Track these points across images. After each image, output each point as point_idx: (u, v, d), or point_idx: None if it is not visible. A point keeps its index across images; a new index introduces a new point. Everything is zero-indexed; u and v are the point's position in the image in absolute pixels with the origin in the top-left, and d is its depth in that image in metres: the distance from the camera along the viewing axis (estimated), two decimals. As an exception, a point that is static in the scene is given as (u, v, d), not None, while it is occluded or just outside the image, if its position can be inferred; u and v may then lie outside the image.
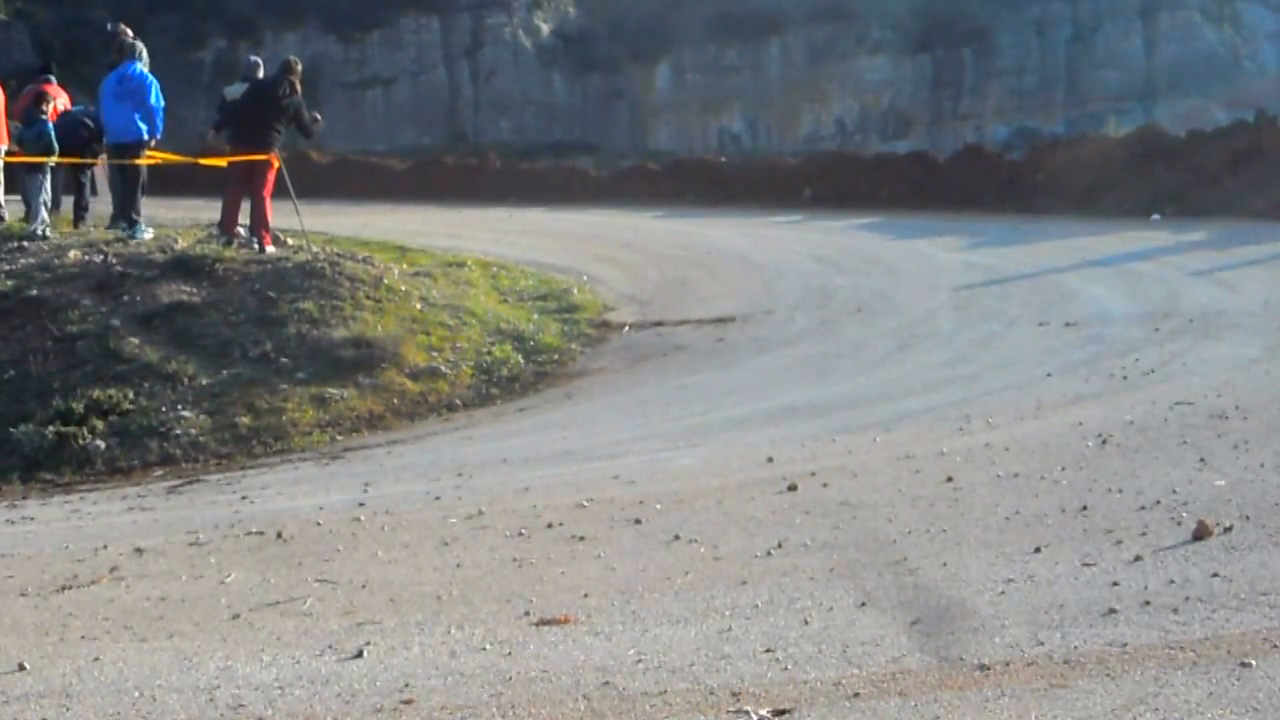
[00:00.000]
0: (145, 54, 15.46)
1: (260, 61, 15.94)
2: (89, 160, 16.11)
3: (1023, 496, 6.89)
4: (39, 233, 14.85)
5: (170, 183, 19.20)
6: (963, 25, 38.53)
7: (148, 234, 15.37)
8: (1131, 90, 41.51)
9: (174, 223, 16.78)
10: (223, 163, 15.22)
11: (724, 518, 6.90)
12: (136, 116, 15.06)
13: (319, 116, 16.04)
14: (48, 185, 15.38)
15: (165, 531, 7.61)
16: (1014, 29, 40.01)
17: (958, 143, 34.03)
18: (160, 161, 15.74)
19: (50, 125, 15.31)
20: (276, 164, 14.97)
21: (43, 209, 15.18)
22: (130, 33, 15.99)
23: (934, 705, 4.34)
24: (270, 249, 14.58)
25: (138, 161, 15.37)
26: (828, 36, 39.56)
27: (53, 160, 15.26)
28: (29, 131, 15.19)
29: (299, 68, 15.40)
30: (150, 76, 15.23)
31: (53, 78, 16.87)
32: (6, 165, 15.68)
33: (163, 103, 15.23)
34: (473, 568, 6.29)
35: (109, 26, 16.42)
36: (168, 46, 17.36)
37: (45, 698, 4.84)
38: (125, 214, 15.40)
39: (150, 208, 15.88)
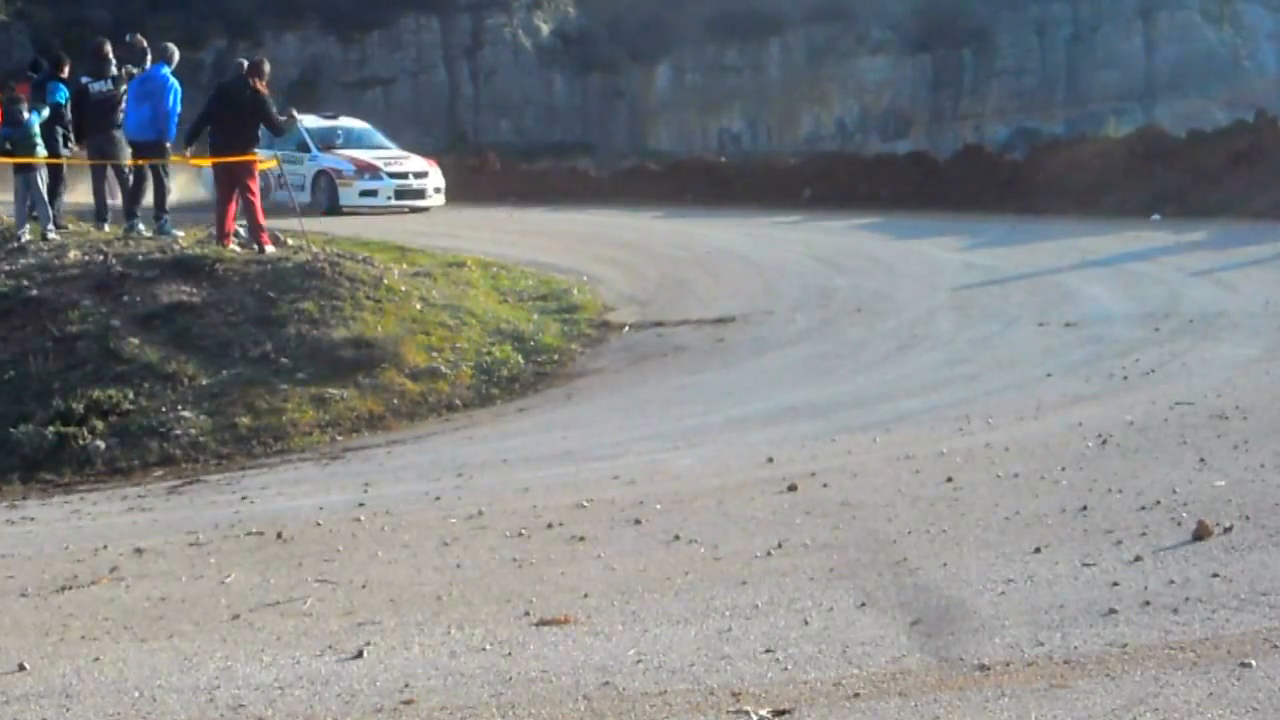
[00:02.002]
0: (176, 57, 15.54)
1: (245, 63, 15.90)
2: (60, 159, 15.97)
3: (1023, 497, 6.89)
4: (40, 234, 14.85)
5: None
6: (963, 25, 38.53)
7: (147, 233, 15.36)
8: (1131, 90, 41.44)
9: (175, 223, 16.76)
10: (206, 162, 15.32)
11: (724, 518, 6.90)
12: (152, 118, 15.13)
13: (295, 113, 16.06)
14: (39, 185, 15.29)
15: (165, 532, 7.61)
16: (1014, 29, 40.02)
17: (958, 143, 33.99)
18: (154, 162, 15.64)
19: (34, 118, 15.19)
20: (261, 165, 15.06)
21: (27, 211, 15.15)
22: (144, 41, 15.95)
23: (934, 705, 4.34)
24: (270, 249, 14.59)
25: (155, 161, 15.41)
26: (828, 36, 39.56)
27: (41, 159, 15.21)
28: (17, 132, 15.12)
29: (264, 66, 15.45)
30: (173, 81, 15.32)
31: (35, 76, 16.81)
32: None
33: (179, 108, 15.29)
34: (473, 568, 6.29)
35: (126, 38, 16.39)
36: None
37: (45, 698, 4.84)
38: (112, 212, 15.46)
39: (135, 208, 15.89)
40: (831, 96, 41.26)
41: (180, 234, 15.49)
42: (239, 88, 15.04)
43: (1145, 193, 21.03)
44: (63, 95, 15.67)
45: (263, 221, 14.99)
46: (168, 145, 15.39)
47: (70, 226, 16.08)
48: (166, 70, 15.35)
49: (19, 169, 15.16)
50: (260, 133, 15.15)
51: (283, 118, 15.55)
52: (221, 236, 14.94)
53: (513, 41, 37.25)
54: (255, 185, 14.97)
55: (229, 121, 14.90)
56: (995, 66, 40.08)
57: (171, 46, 15.78)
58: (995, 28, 39.31)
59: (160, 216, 15.67)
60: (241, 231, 15.39)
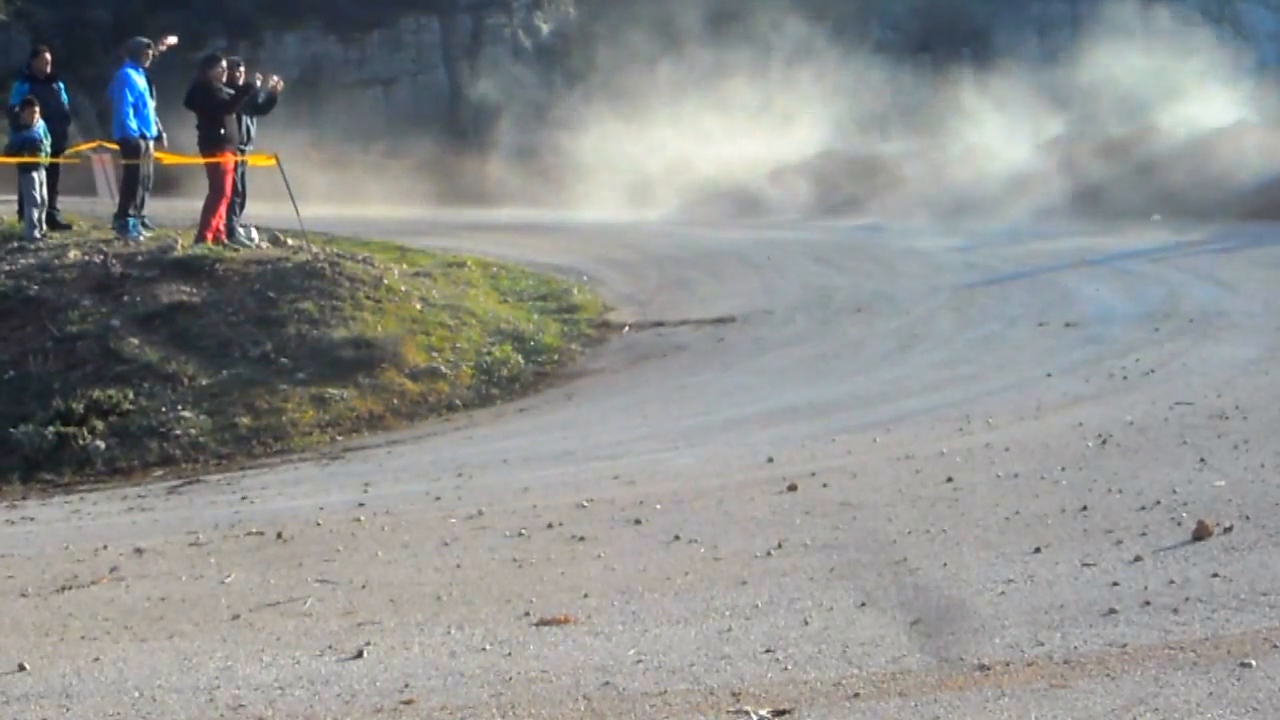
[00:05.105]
0: (145, 52, 15.19)
1: (211, 60, 15.64)
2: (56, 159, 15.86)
3: (1023, 497, 6.89)
4: (37, 234, 14.82)
5: (173, 183, 19.18)
6: (963, 25, 38.55)
7: (142, 234, 15.17)
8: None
9: (175, 223, 16.78)
10: (189, 160, 15.30)
11: (724, 518, 6.90)
12: (120, 115, 14.89)
13: (261, 76, 15.71)
14: (40, 186, 15.22)
15: (165, 532, 7.61)
16: (1014, 29, 40.03)
17: (958, 143, 33.89)
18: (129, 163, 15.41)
19: (34, 130, 15.11)
20: (255, 161, 15.06)
21: (34, 210, 15.10)
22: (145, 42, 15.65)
23: (934, 705, 4.34)
24: (209, 245, 14.42)
25: (127, 161, 15.20)
26: (828, 35, 39.62)
27: (44, 159, 15.16)
28: (17, 138, 15.09)
29: (216, 58, 15.37)
30: (126, 73, 14.86)
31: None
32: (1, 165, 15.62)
33: (129, 97, 14.72)
34: (473, 568, 6.29)
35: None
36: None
37: (45, 698, 4.84)
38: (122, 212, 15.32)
39: (151, 207, 15.83)
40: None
41: (143, 236, 15.15)
42: (193, 89, 14.99)
43: (1146, 193, 20.99)
44: (16, 96, 15.56)
45: (214, 222, 14.85)
46: (136, 142, 14.90)
47: (72, 225, 16.06)
48: (128, 68, 15.05)
49: (22, 168, 15.12)
50: (235, 126, 15.02)
51: (258, 88, 15.32)
52: (215, 234, 14.88)
53: (513, 42, 37.24)
54: (227, 182, 14.88)
55: (197, 120, 14.93)
56: (995, 66, 40.09)
57: (137, 40, 15.43)
58: (995, 27, 39.34)
59: (121, 215, 15.25)
60: (241, 231, 15.37)
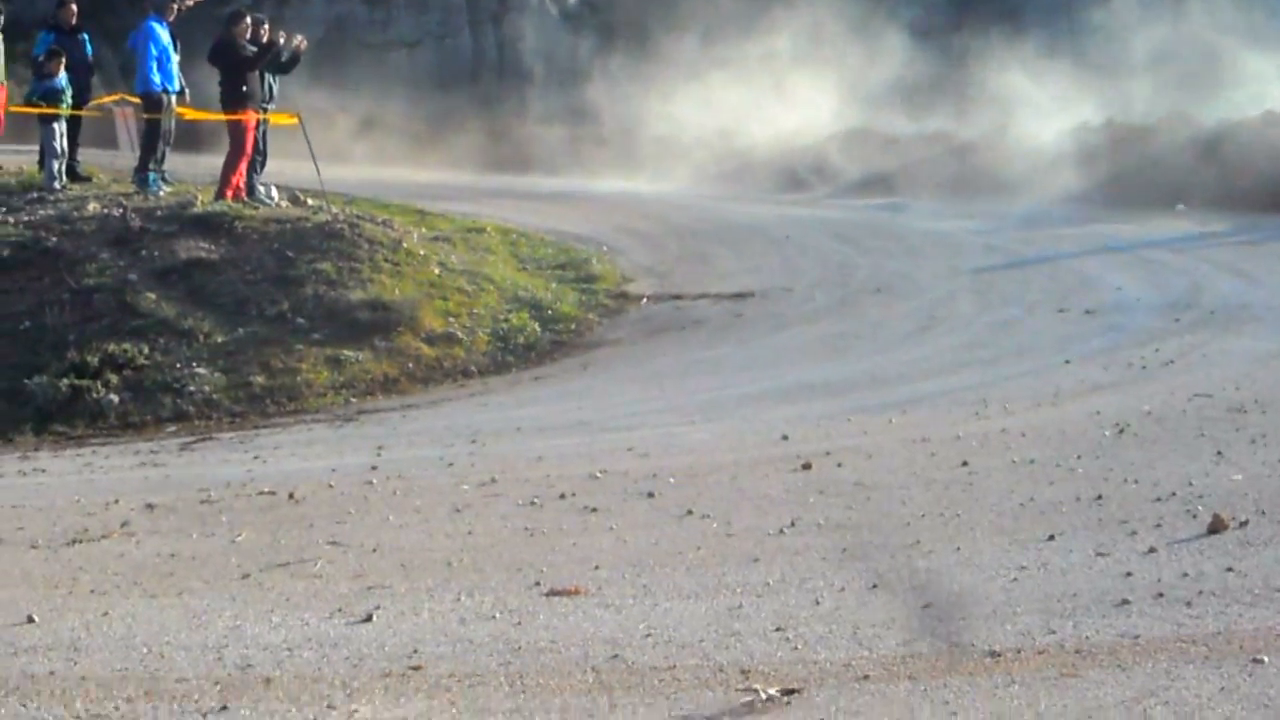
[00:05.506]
0: (170, 7, 15.12)
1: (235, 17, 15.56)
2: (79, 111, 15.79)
3: (1038, 484, 6.85)
4: (56, 186, 14.81)
5: (195, 139, 19.14)
6: (995, 5, 38.36)
7: (162, 189, 15.13)
8: (1159, 78, 41.07)
9: (195, 179, 16.76)
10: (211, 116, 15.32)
11: (737, 494, 6.88)
12: (143, 69, 14.86)
13: (285, 35, 15.66)
14: (60, 137, 15.18)
15: (177, 488, 7.63)
16: (1045, 10, 39.82)
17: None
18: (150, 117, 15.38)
19: (56, 81, 15.04)
20: (276, 119, 15.03)
21: (54, 162, 15.07)
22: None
23: (944, 690, 4.32)
24: (229, 202, 14.40)
25: (149, 115, 15.16)
26: (859, 12, 39.46)
27: (65, 110, 15.10)
28: (40, 87, 15.05)
29: (244, 18, 15.13)
30: (150, 26, 14.80)
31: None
32: (22, 116, 15.56)
33: (153, 51, 14.69)
34: (484, 535, 6.29)
35: None
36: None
37: (53, 650, 4.85)
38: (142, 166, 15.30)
39: (171, 162, 15.81)
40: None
41: (163, 190, 15.11)
42: (216, 48, 14.92)
43: (1170, 181, 20.83)
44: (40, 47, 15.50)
45: (234, 179, 14.81)
46: (158, 97, 14.87)
47: (93, 178, 16.04)
48: (153, 21, 15.00)
49: (43, 119, 15.09)
50: (257, 84, 14.95)
51: (282, 45, 15.21)
52: (235, 191, 14.85)
53: (539, 6, 37.09)
54: (248, 140, 14.82)
55: (219, 77, 14.88)
56: (1026, 47, 39.88)
57: None
58: (1027, 8, 39.14)
59: (141, 169, 15.24)
60: (261, 189, 15.33)
